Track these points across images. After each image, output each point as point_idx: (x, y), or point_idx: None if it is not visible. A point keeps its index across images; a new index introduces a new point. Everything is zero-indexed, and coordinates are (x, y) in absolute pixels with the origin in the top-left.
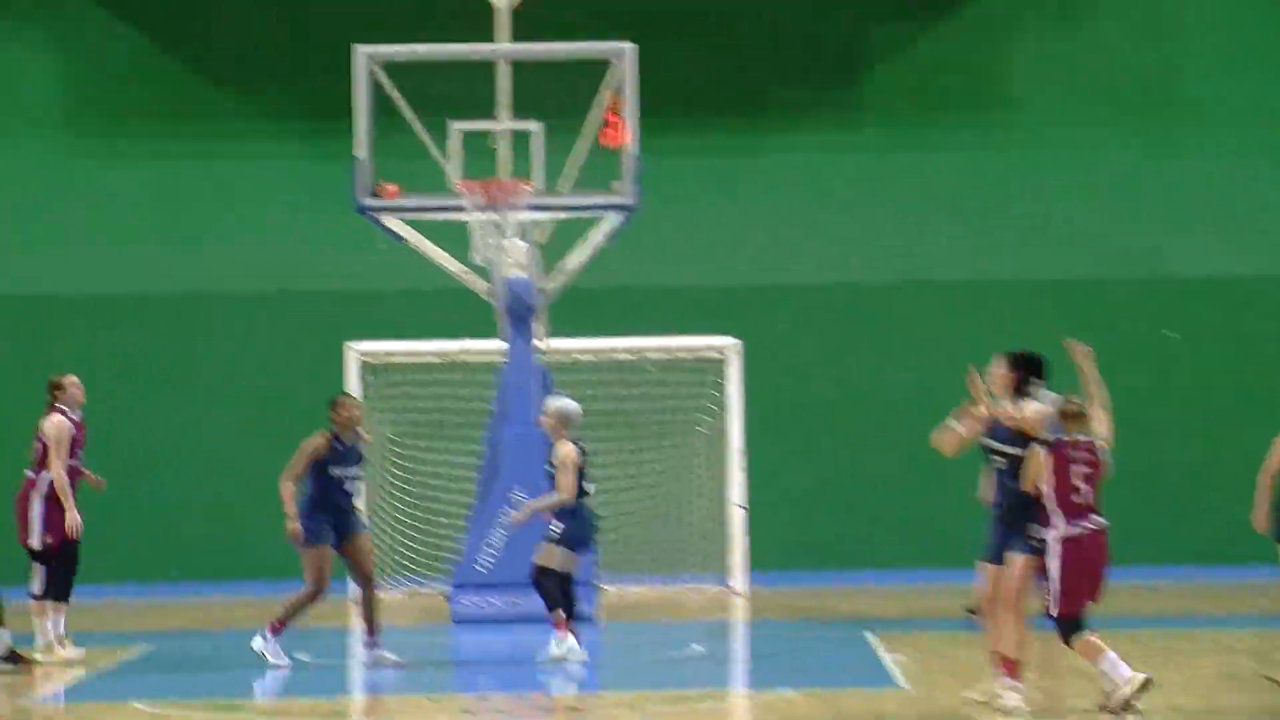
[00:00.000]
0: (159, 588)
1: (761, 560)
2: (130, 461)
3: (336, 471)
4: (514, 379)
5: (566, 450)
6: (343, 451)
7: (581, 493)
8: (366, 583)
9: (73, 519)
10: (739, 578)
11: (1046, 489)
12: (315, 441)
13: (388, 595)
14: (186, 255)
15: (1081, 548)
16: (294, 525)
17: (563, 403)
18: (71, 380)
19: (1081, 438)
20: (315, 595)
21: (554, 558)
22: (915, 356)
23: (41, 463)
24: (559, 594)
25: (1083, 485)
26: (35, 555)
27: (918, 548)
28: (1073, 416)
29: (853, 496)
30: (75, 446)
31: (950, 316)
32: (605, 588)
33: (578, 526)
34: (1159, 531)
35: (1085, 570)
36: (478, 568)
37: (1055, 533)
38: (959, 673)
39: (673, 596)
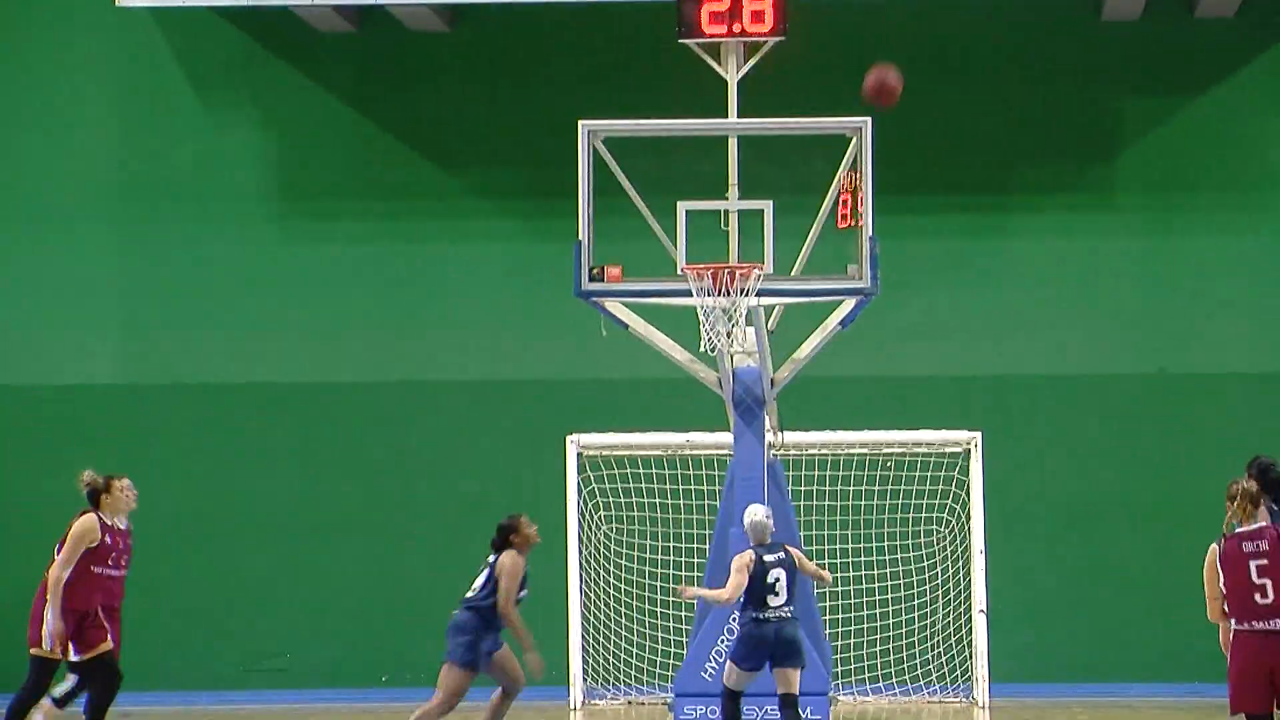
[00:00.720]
0: (372, 692)
1: (1002, 670)
2: (343, 552)
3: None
4: (742, 474)
5: (738, 554)
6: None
7: (758, 603)
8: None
9: (54, 628)
10: (981, 688)
11: None
12: (519, 563)
13: (607, 704)
14: (402, 342)
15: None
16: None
17: (748, 510)
18: (120, 484)
19: None
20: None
21: (729, 674)
22: (1166, 452)
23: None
24: (726, 711)
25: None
26: (70, 665)
27: (1170, 660)
28: None
29: (1101, 602)
30: (106, 554)
31: (1205, 411)
32: (839, 697)
33: (741, 639)
34: None
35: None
36: (703, 675)
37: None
38: None
39: (911, 708)
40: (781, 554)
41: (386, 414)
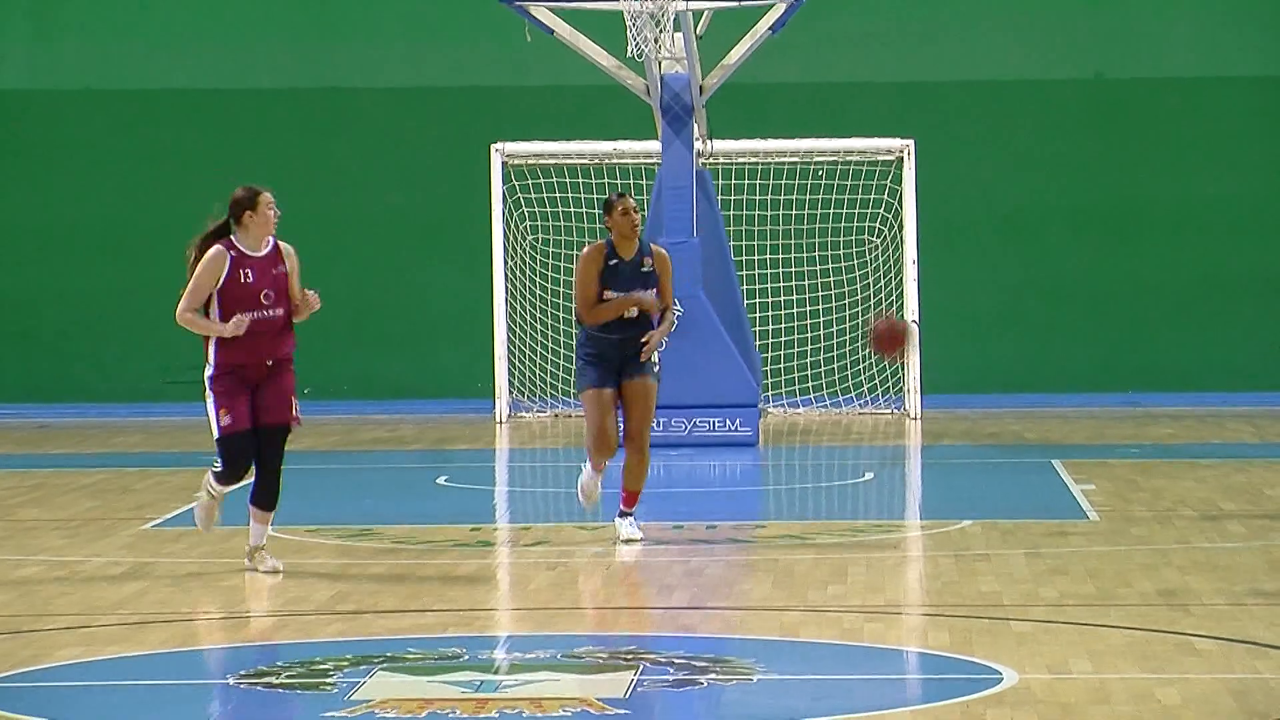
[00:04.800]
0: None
1: (936, 382)
2: None
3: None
4: (670, 183)
5: None
6: (619, 266)
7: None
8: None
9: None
10: (913, 400)
11: None
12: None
13: (533, 417)
14: (323, 49)
15: None
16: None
17: None
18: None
19: None
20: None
21: None
22: (1103, 160)
23: None
24: None
25: None
26: None
27: (1106, 370)
28: None
29: (1037, 314)
30: None
31: (1142, 117)
32: (769, 410)
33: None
34: None
35: None
36: None
37: None
38: (1153, 504)
39: (842, 419)
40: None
41: (307, 123)
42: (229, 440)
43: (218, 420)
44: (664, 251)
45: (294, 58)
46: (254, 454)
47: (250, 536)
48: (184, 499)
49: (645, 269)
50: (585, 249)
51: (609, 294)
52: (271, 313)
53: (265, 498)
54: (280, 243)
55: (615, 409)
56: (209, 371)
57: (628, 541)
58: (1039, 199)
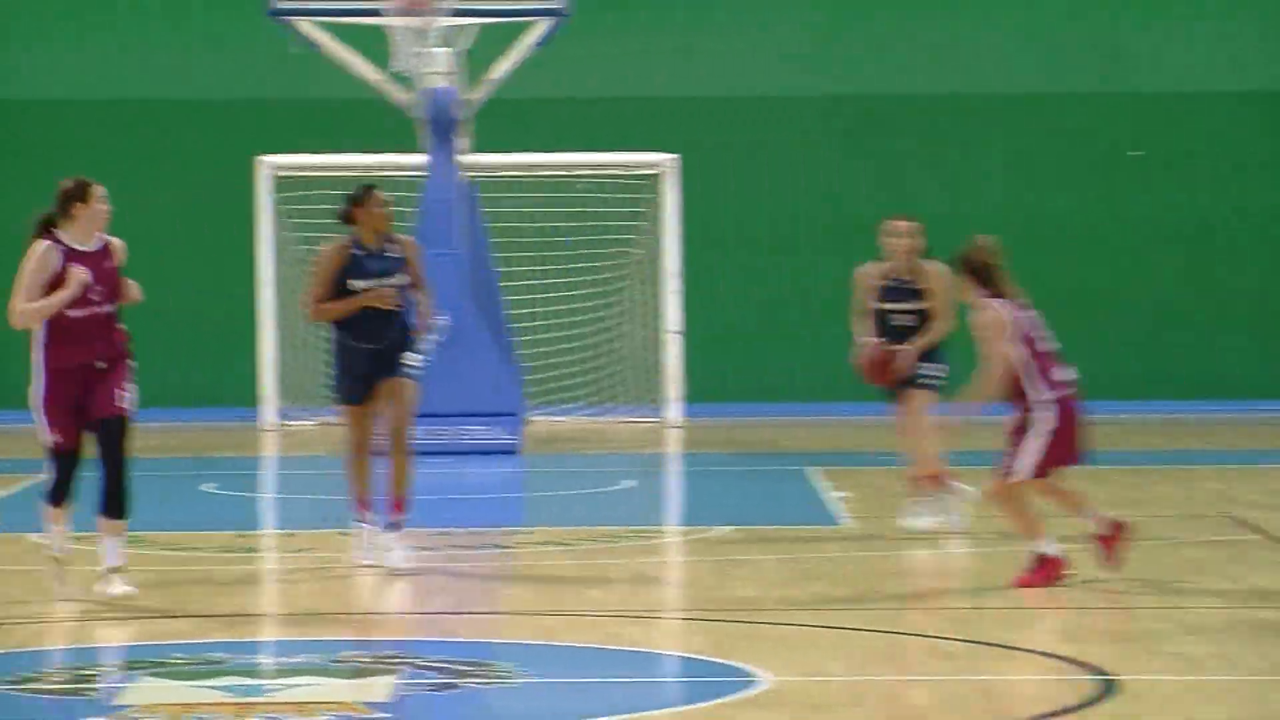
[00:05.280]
0: None
1: (698, 391)
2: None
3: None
4: (436, 196)
5: None
6: (364, 257)
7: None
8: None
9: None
10: (673, 409)
11: None
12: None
13: (300, 425)
14: (89, 59)
15: None
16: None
17: None
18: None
19: None
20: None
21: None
22: (856, 174)
23: None
24: None
25: None
26: None
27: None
28: None
29: (795, 325)
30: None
31: (883, 133)
32: (532, 418)
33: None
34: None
35: None
36: None
37: None
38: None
39: (603, 428)
40: None
41: (72, 134)
42: (60, 456)
43: (49, 434)
44: (411, 239)
45: (59, 67)
46: (79, 467)
47: (104, 556)
48: None
49: (392, 254)
50: (325, 247)
51: (357, 283)
52: (101, 309)
53: (113, 504)
54: (110, 238)
55: (374, 417)
56: (40, 381)
57: (394, 571)
58: (799, 212)
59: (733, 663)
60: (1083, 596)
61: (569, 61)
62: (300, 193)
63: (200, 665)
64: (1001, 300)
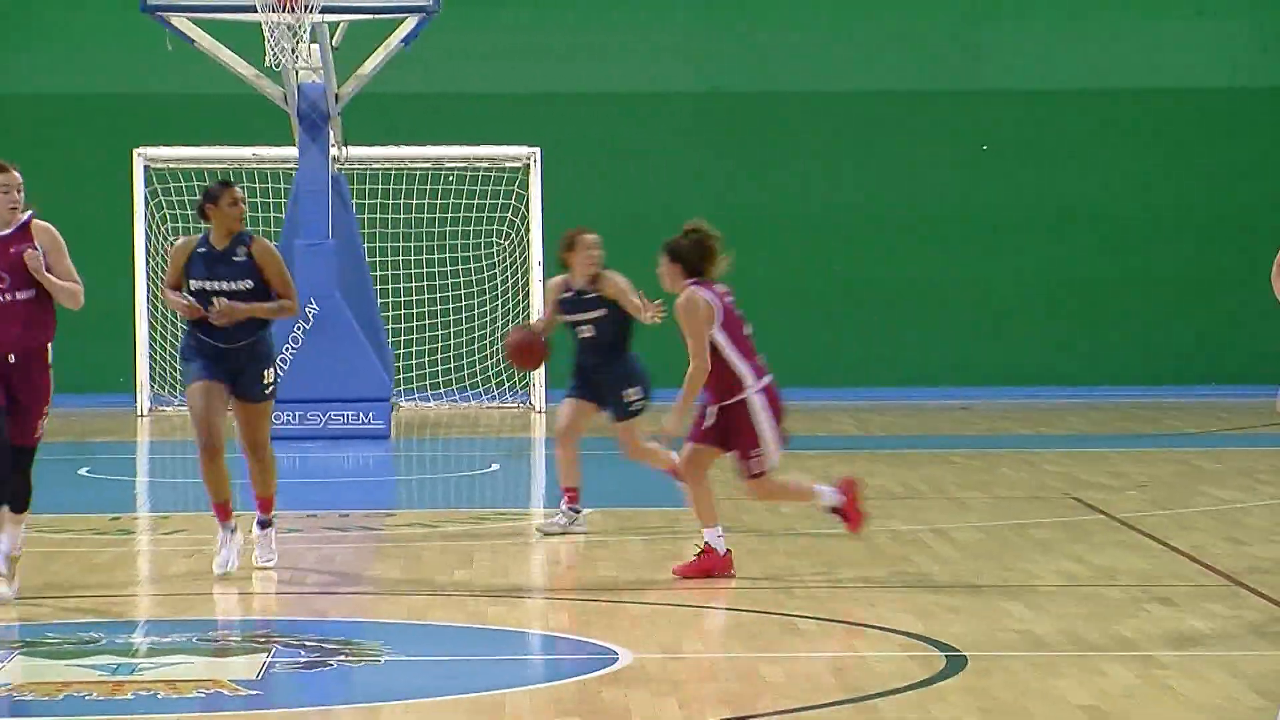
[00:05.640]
0: None
1: (563, 379)
2: None
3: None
4: (307, 188)
5: None
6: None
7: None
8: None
9: None
10: (539, 395)
11: None
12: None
13: (174, 410)
14: None
15: None
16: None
17: None
18: None
19: None
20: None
21: None
22: (718, 169)
23: None
24: None
25: None
26: None
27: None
28: None
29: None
30: None
31: (756, 127)
32: (401, 404)
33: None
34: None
35: None
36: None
37: None
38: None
39: (470, 413)
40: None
41: None
42: None
43: None
44: (268, 243)
45: None
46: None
47: None
48: None
49: (239, 258)
50: (177, 241)
51: (194, 283)
52: (6, 297)
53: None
54: (37, 221)
55: (224, 403)
56: None
57: (261, 569)
58: (658, 204)
59: (595, 640)
60: (932, 574)
61: (438, 57)
62: (176, 184)
63: (75, 645)
64: (707, 286)
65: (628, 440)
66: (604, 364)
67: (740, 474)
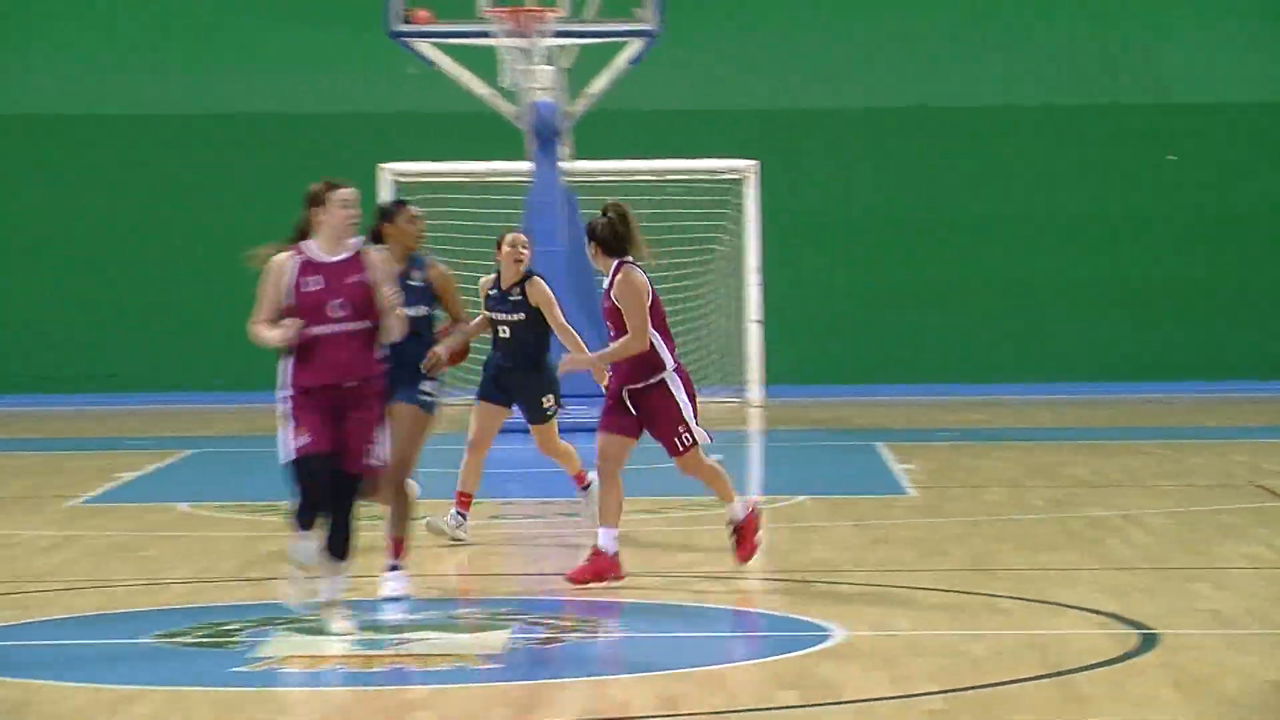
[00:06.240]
0: (200, 396)
1: (777, 374)
2: (166, 278)
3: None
4: (539, 199)
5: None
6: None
7: None
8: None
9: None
10: (755, 390)
11: None
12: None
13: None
14: (220, 76)
15: None
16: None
17: None
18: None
19: None
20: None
21: None
22: (924, 180)
23: None
24: None
25: None
26: None
27: (924, 363)
28: None
29: (865, 314)
30: None
31: (961, 141)
32: None
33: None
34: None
35: None
36: None
37: None
38: (966, 481)
39: None
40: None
41: (205, 148)
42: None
43: (293, 440)
44: (443, 268)
45: (189, 83)
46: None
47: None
48: (106, 479)
49: (412, 281)
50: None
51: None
52: (344, 326)
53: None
54: (367, 248)
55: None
56: (284, 393)
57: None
58: (870, 212)
59: (810, 619)
60: (1126, 557)
61: (662, 75)
62: (415, 197)
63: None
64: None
65: (544, 441)
66: (518, 368)
67: (669, 451)
